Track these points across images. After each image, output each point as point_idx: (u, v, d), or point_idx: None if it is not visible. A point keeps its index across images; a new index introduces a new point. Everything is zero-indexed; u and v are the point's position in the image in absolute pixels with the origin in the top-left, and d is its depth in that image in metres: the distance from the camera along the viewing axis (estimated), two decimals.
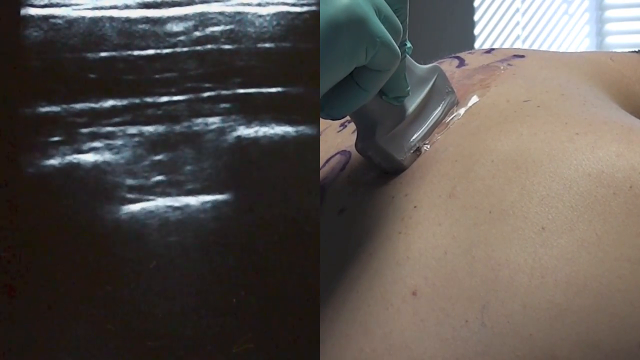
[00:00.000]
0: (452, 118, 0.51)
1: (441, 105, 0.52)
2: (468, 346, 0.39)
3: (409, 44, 0.47)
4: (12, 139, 0.46)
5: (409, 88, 0.48)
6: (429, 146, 0.50)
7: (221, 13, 0.49)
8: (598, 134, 0.44)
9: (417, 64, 0.51)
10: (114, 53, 0.48)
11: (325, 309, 0.45)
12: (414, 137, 0.50)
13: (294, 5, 0.50)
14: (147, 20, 0.49)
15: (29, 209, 0.45)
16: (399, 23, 0.43)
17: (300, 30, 0.49)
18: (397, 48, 0.43)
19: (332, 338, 0.43)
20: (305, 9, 0.50)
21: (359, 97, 0.43)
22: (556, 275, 0.39)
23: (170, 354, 0.42)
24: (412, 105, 0.50)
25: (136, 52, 0.48)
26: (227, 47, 0.49)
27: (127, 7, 0.49)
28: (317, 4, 0.49)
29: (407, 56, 0.48)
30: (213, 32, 0.49)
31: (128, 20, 0.49)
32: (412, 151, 0.49)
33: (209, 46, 0.49)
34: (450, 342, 0.40)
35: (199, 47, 0.49)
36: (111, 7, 0.49)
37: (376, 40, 0.41)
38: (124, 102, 0.47)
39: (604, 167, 0.41)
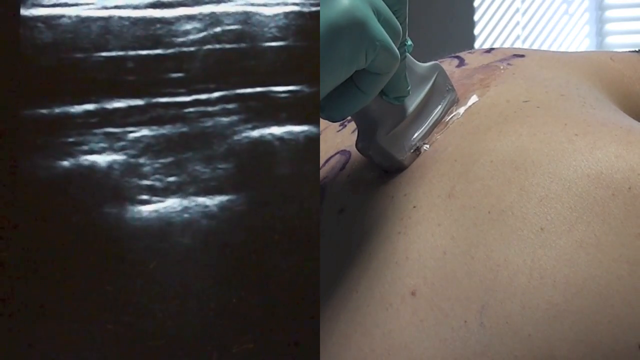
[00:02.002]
0: (452, 117, 0.51)
1: (442, 103, 0.52)
2: (467, 346, 0.39)
3: (409, 42, 0.47)
4: (23, 140, 0.46)
5: (409, 88, 0.48)
6: (428, 146, 0.50)
7: (229, 13, 0.50)
8: (597, 135, 0.44)
9: (418, 62, 0.51)
10: (123, 53, 0.48)
11: (325, 309, 0.45)
12: (414, 136, 0.50)
13: (301, 5, 0.50)
14: (156, 20, 0.49)
15: (39, 210, 0.45)
16: (399, 25, 0.43)
17: (308, 30, 0.49)
18: (397, 51, 0.43)
19: (332, 338, 0.43)
20: (312, 9, 0.50)
21: (358, 99, 0.43)
22: (555, 276, 0.39)
23: (170, 354, 0.42)
24: (412, 104, 0.50)
25: (145, 52, 0.48)
26: (235, 46, 0.49)
27: (135, 7, 0.49)
28: None
29: (408, 55, 0.48)
30: (221, 32, 0.49)
31: (137, 20, 0.49)
32: (412, 150, 0.49)
33: (218, 46, 0.49)
34: (449, 342, 0.40)
35: (207, 47, 0.49)
36: (120, 7, 0.49)
37: (376, 44, 0.41)
38: (135, 103, 0.47)
39: (602, 168, 0.41)
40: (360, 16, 0.40)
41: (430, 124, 0.51)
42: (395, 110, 0.49)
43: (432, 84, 0.51)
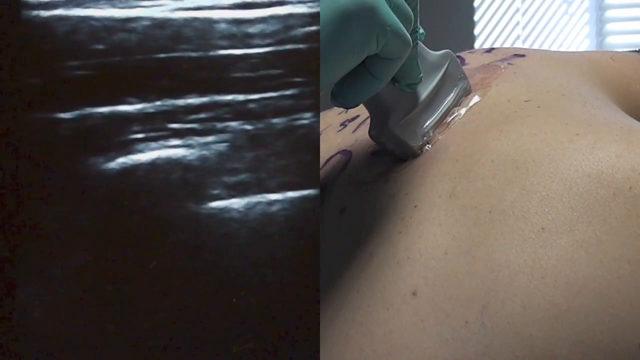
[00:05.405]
0: (454, 118, 0.51)
1: (454, 91, 0.52)
2: (468, 346, 0.39)
3: (421, 30, 0.48)
4: (98, 136, 0.47)
5: (421, 75, 0.48)
6: (430, 146, 0.50)
7: (303, 14, 0.50)
8: (598, 135, 0.44)
9: (430, 50, 0.51)
10: (201, 53, 0.49)
11: (325, 309, 0.45)
12: (427, 124, 0.50)
13: None
14: (234, 21, 0.50)
15: (110, 206, 0.45)
16: (410, 11, 0.43)
17: None
18: (408, 36, 0.43)
19: (332, 338, 0.43)
20: None
21: (371, 85, 0.44)
22: (556, 275, 0.39)
23: (170, 354, 0.42)
24: (425, 91, 0.50)
25: (223, 52, 0.49)
26: (307, 46, 0.49)
27: (214, 7, 0.50)
28: None
29: (420, 42, 0.48)
30: (296, 33, 0.50)
31: (216, 21, 0.50)
32: (425, 138, 0.50)
33: (290, 46, 0.50)
34: (450, 343, 0.40)
35: (282, 47, 0.49)
36: (197, 9, 0.50)
37: (387, 29, 0.41)
38: (210, 99, 0.48)
39: (603, 168, 0.41)
40: (370, 1, 0.40)
41: (443, 112, 0.51)
42: (407, 97, 0.49)
43: (444, 71, 0.52)
